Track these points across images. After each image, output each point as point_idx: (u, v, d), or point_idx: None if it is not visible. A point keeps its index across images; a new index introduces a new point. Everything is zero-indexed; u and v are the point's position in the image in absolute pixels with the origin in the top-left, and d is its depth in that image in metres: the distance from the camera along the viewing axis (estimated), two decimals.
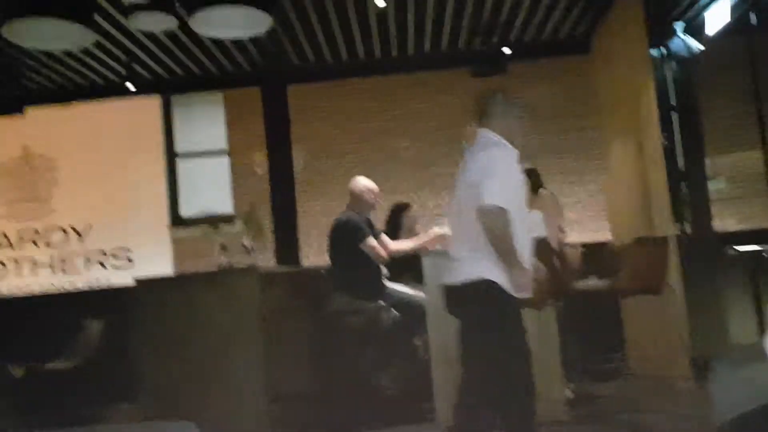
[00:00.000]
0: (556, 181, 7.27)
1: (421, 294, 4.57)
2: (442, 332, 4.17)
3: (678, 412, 4.08)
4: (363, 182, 4.93)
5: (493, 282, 2.83)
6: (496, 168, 2.87)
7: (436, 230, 4.72)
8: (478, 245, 2.85)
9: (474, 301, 2.88)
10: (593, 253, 5.42)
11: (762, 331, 5.38)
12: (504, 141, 3.02)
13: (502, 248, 2.81)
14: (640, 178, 5.34)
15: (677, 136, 5.81)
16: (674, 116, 5.93)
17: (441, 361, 4.19)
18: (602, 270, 4.57)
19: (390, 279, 5.00)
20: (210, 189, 7.59)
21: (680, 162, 5.79)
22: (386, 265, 4.99)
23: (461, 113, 7.48)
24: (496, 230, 2.80)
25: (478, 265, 2.86)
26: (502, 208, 2.77)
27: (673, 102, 5.91)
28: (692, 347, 4.55)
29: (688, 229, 5.70)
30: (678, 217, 5.57)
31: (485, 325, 2.89)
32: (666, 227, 5.02)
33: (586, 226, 7.28)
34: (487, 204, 2.79)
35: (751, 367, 1.74)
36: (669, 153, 5.50)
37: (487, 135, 3.06)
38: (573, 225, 7.51)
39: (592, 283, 4.79)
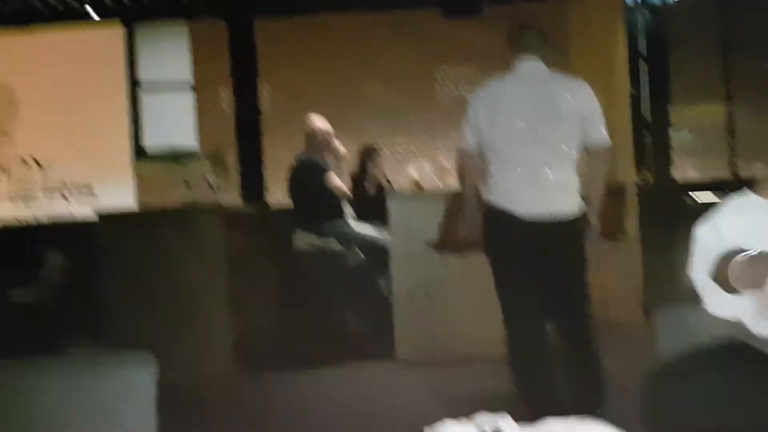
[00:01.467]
0: None
1: (386, 235, 4.62)
2: (406, 273, 4.25)
3: (629, 354, 4.25)
4: (318, 122, 4.89)
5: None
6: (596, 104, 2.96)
7: (412, 173, 4.75)
8: (571, 178, 2.91)
9: (576, 235, 2.95)
10: None
11: None
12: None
13: (602, 189, 2.94)
14: (607, 126, 5.39)
15: (645, 85, 5.85)
16: (643, 65, 5.96)
17: (403, 301, 4.27)
18: None
19: (355, 220, 5.03)
20: (174, 124, 7.45)
21: (646, 111, 5.86)
22: (352, 206, 5.02)
23: (434, 56, 7.41)
24: (607, 170, 2.95)
25: (575, 199, 2.93)
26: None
27: (642, 51, 5.93)
28: (645, 292, 4.70)
29: (649, 177, 5.81)
30: (639, 165, 5.66)
31: (581, 260, 3.00)
32: (627, 175, 5.12)
33: None
34: (608, 143, 2.92)
35: (697, 310, 1.81)
36: (635, 101, 5.55)
37: (541, 65, 3.04)
38: None
39: None
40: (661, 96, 6.01)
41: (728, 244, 1.43)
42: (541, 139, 2.89)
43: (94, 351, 4.44)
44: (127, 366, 1.37)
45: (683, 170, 7.21)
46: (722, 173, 6.70)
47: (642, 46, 5.99)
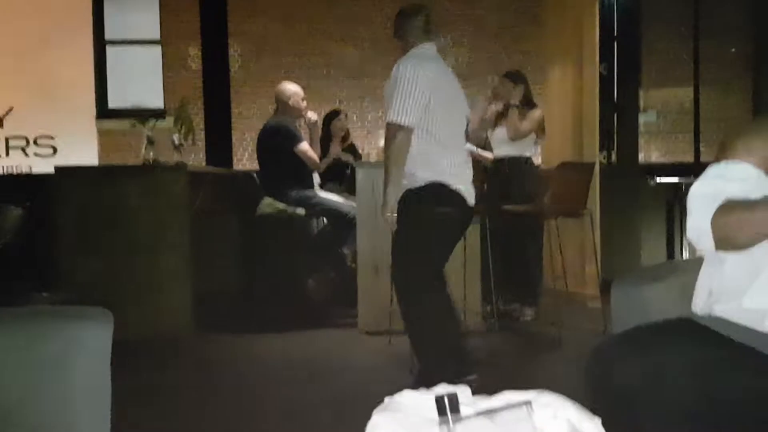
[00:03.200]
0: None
1: (351, 204, 4.61)
2: (370, 243, 4.25)
3: (586, 328, 4.36)
4: (290, 87, 4.83)
5: None
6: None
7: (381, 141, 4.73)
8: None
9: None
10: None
11: (671, 256, 5.72)
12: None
13: None
14: (575, 105, 5.43)
15: (615, 66, 5.89)
16: (615, 45, 5.98)
17: (367, 271, 4.28)
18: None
19: (322, 187, 5.00)
20: (140, 80, 7.28)
21: (615, 92, 5.90)
22: (319, 174, 4.98)
23: None
24: None
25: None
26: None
27: (615, 32, 5.95)
28: (604, 269, 4.80)
29: (614, 158, 5.89)
30: (605, 145, 5.73)
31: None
32: (593, 155, 5.18)
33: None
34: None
35: (651, 287, 1.85)
36: (605, 82, 5.59)
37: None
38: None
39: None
40: (631, 77, 6.06)
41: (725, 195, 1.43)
42: (461, 119, 3.11)
43: (50, 304, 4.38)
44: (83, 320, 1.35)
45: (648, 152, 7.33)
46: (685, 156, 6.83)
47: (615, 26, 6.01)
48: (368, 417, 1.06)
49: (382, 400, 1.11)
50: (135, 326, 3.69)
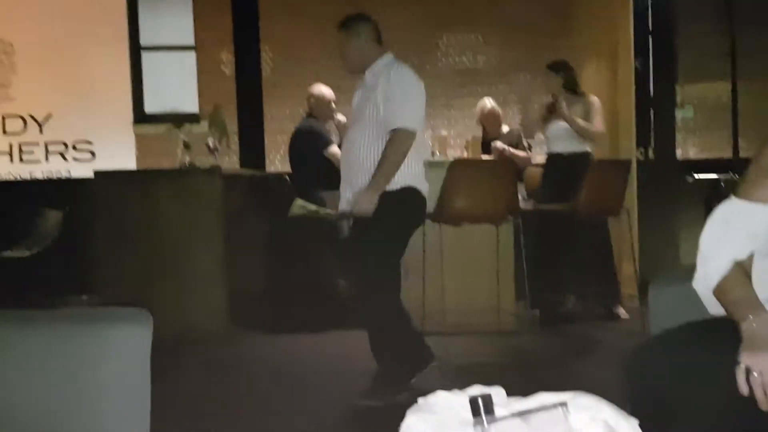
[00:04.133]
0: (527, 99, 7.24)
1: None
2: None
3: (623, 329, 4.29)
4: (321, 90, 4.86)
5: None
6: None
7: None
8: None
9: None
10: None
11: None
12: None
13: None
14: (610, 101, 5.35)
15: (650, 61, 5.79)
16: (649, 41, 5.88)
17: None
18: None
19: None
20: (175, 85, 7.39)
21: (650, 87, 5.80)
22: None
23: (437, 24, 7.32)
24: None
25: None
26: None
27: (650, 26, 5.85)
28: (642, 268, 4.72)
29: (651, 154, 5.79)
30: (642, 142, 5.63)
31: None
32: (630, 151, 5.10)
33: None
34: None
35: (689, 287, 1.81)
36: (641, 78, 5.49)
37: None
38: (543, 146, 7.56)
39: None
40: (667, 72, 5.95)
41: (729, 257, 1.45)
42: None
43: (88, 306, 4.47)
44: (122, 321, 1.37)
45: (685, 148, 7.19)
46: (723, 151, 6.68)
47: (649, 20, 5.90)
48: (401, 417, 1.06)
49: (414, 400, 1.10)
50: (171, 326, 3.75)
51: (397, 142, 2.90)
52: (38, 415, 1.29)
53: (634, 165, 4.95)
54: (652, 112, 5.83)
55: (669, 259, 5.46)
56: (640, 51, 5.52)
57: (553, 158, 4.60)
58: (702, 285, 1.50)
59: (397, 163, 2.93)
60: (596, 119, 4.44)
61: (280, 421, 2.86)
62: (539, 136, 4.84)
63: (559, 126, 4.50)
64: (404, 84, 2.92)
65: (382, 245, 2.97)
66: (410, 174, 2.98)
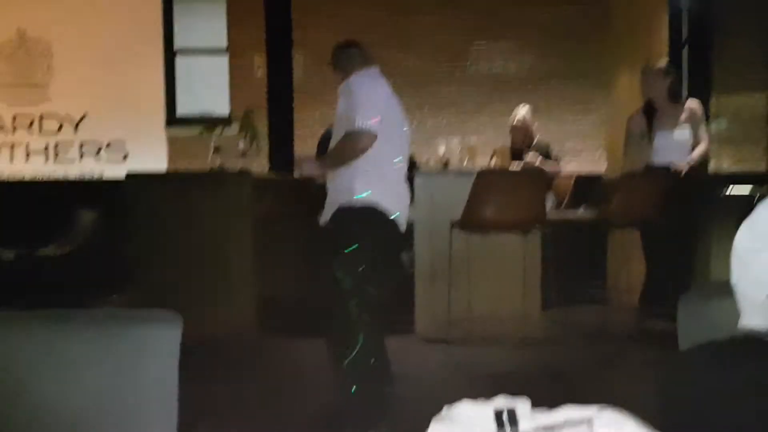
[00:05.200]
0: (560, 107, 7.20)
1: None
2: (429, 250, 4.25)
3: (652, 341, 4.22)
4: None
5: None
6: None
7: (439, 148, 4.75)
8: None
9: None
10: (586, 183, 5.44)
11: None
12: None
13: None
14: None
15: (685, 72, 5.71)
16: (684, 51, 5.81)
17: (425, 278, 4.28)
18: (593, 200, 4.60)
19: None
20: (207, 89, 7.49)
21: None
22: None
23: (469, 29, 7.31)
24: None
25: None
26: None
27: (685, 36, 5.77)
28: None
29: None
30: None
31: None
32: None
33: (585, 157, 7.27)
34: None
35: (719, 302, 1.78)
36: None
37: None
38: (573, 154, 7.51)
39: (581, 212, 4.84)
40: (701, 83, 5.86)
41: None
42: (402, 141, 3.16)
43: (120, 306, 4.53)
44: (153, 322, 1.39)
45: (718, 160, 7.07)
46: (757, 164, 6.55)
47: (684, 30, 5.83)
48: (426, 425, 1.06)
49: (440, 409, 1.10)
50: (200, 328, 3.78)
51: (351, 142, 2.92)
52: (67, 413, 1.31)
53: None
54: None
55: (701, 272, 5.36)
56: (675, 61, 5.45)
57: (656, 171, 4.30)
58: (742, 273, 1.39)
59: (342, 160, 2.95)
60: (702, 131, 4.15)
61: (308, 425, 2.87)
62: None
63: (669, 134, 4.22)
64: (354, 90, 2.98)
65: (336, 261, 2.93)
66: (373, 189, 2.94)
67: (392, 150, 3.02)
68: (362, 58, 3.20)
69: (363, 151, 2.91)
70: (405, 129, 3.18)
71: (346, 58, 3.21)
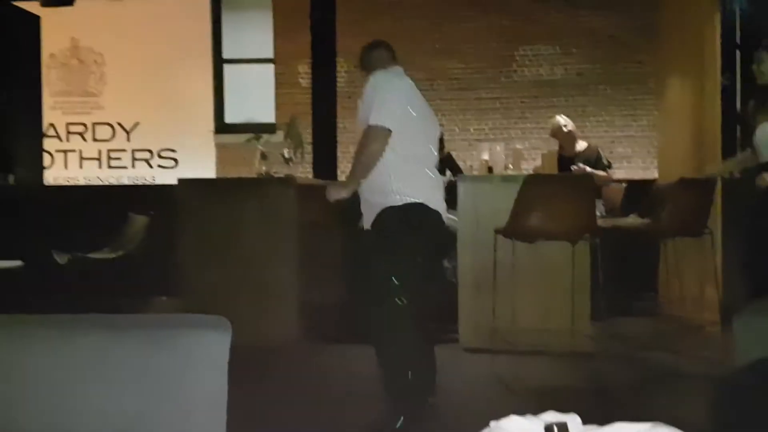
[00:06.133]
0: (609, 114, 7.08)
1: (453, 218, 4.58)
2: (472, 257, 4.21)
3: (703, 356, 4.09)
4: None
5: None
6: None
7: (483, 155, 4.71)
8: None
9: None
10: (637, 190, 5.33)
11: None
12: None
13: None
14: (695, 117, 5.16)
15: (737, 77, 5.54)
16: (737, 55, 5.63)
17: (469, 287, 4.24)
18: (644, 208, 4.50)
19: None
20: (254, 97, 7.60)
21: (737, 103, 5.55)
22: None
23: (512, 36, 7.26)
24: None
25: None
26: None
27: (737, 41, 5.60)
28: (725, 293, 4.51)
29: (736, 173, 5.53)
30: (728, 158, 5.38)
31: None
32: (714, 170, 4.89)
33: (635, 163, 7.13)
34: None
35: None
36: (727, 94, 5.26)
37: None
38: (622, 160, 7.37)
39: (631, 220, 4.73)
40: (754, 88, 5.67)
41: None
42: (433, 139, 3.16)
43: (167, 308, 4.62)
44: (202, 329, 1.40)
45: None
46: None
47: (737, 35, 5.66)
48: None
49: (485, 422, 1.08)
50: (245, 334, 3.82)
51: (367, 138, 2.89)
52: (117, 417, 1.33)
53: (718, 185, 4.74)
54: (738, 129, 5.57)
55: (755, 285, 5.18)
56: (728, 66, 5.29)
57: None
58: None
59: (364, 161, 2.91)
60: None
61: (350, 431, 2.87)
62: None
63: None
64: (374, 88, 2.96)
65: (378, 263, 2.92)
66: (413, 188, 2.92)
67: (421, 148, 3.01)
68: (387, 58, 3.18)
69: (380, 149, 2.88)
70: (434, 128, 3.17)
71: (371, 58, 3.20)
